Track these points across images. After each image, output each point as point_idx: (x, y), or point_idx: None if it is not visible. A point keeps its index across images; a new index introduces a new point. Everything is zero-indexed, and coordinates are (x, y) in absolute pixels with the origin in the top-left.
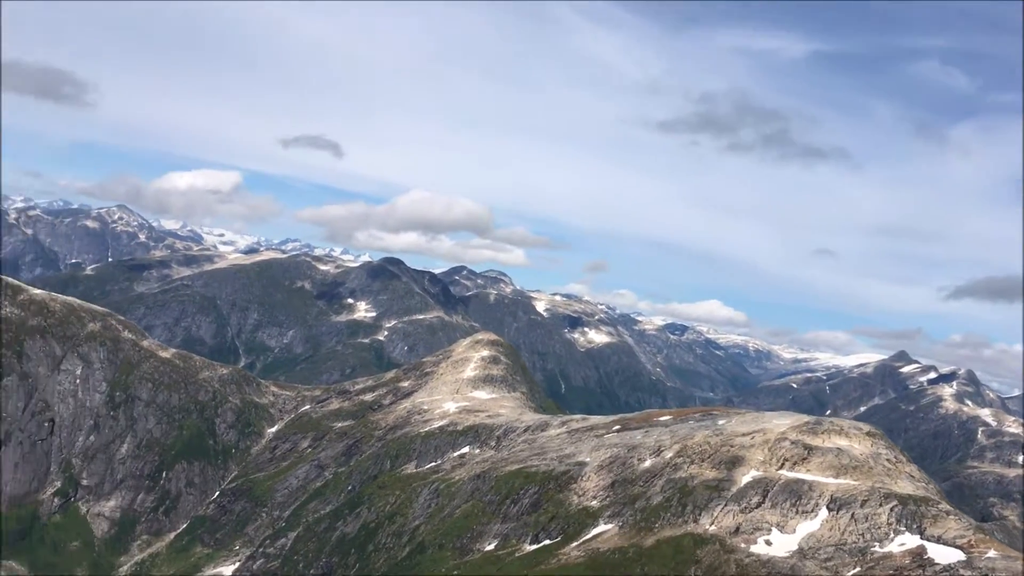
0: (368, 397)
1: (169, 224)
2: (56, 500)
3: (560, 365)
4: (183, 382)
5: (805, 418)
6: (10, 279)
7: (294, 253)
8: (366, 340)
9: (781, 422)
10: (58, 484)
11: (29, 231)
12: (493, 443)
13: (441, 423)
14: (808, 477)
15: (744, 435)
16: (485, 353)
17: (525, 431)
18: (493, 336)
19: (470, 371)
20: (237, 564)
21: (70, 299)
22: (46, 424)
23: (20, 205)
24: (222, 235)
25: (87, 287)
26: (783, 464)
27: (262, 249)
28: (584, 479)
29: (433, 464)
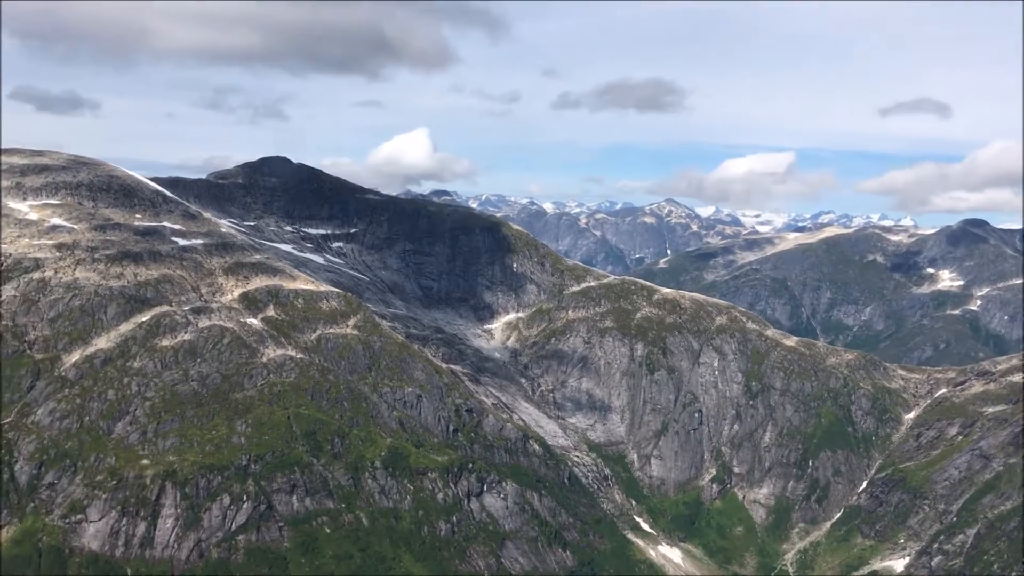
0: (1018, 377)
1: (703, 211)
2: (714, 487)
3: None
4: (812, 369)
5: None
6: (644, 282)
7: (860, 226)
8: (956, 312)
9: None
10: (713, 471)
11: (598, 232)
12: None
13: None
14: None
15: None
16: None
17: None
18: None
19: None
20: (907, 559)
21: (696, 295)
22: (696, 415)
23: (578, 210)
24: (757, 215)
25: (663, 279)
26: None
27: (809, 225)
28: None
29: None
